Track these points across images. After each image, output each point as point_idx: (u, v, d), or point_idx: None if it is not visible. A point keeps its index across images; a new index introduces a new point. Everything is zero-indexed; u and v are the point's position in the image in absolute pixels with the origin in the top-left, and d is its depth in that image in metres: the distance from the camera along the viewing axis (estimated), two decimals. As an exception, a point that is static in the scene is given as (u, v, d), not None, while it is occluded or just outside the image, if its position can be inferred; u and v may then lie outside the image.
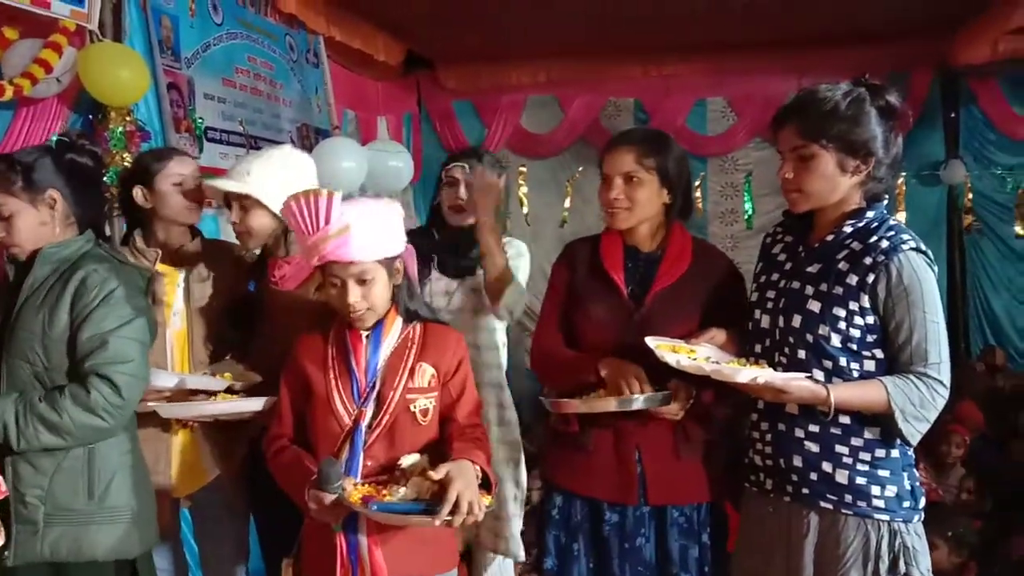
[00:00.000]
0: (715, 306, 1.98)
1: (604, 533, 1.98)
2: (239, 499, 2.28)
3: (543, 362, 2.13)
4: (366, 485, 1.69)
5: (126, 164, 2.85)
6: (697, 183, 5.61)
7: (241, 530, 2.36)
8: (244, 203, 2.12)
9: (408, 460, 1.72)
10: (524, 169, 5.87)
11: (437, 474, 1.61)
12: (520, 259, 2.51)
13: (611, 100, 5.85)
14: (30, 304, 1.85)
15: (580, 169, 5.73)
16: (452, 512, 1.58)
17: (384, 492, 1.67)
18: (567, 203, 5.49)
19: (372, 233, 1.72)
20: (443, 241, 2.52)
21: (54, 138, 2.07)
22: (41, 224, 1.89)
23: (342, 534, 1.73)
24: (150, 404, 2.02)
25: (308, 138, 4.34)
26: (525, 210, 5.81)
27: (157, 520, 2.15)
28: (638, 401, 1.83)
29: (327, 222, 1.69)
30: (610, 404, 1.83)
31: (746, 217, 5.66)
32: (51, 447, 1.79)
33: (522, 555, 2.57)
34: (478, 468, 1.68)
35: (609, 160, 1.99)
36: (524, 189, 5.82)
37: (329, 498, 1.63)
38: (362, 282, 1.74)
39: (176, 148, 2.77)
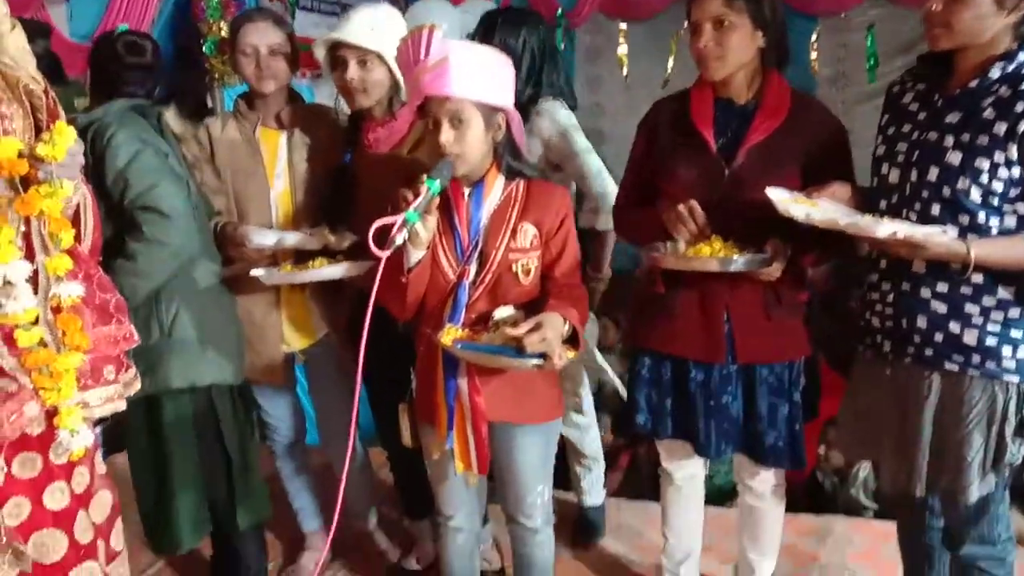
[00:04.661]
0: (816, 164, 1.85)
1: (690, 391, 1.98)
2: (347, 356, 2.37)
3: (621, 230, 2.14)
4: (460, 330, 1.74)
5: (223, 34, 2.86)
6: (814, 39, 5.17)
7: (351, 387, 2.47)
8: (365, 58, 2.08)
9: (502, 312, 1.76)
10: (624, 27, 5.55)
11: (519, 331, 1.63)
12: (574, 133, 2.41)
13: (712, -47, 5.40)
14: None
15: (685, 26, 5.30)
16: (532, 355, 1.62)
17: (475, 338, 1.73)
18: (670, 63, 5.19)
19: (472, 73, 1.67)
20: None
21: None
22: None
23: (442, 377, 1.79)
24: (252, 272, 2.10)
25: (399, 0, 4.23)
26: (624, 72, 5.56)
27: (272, 372, 2.30)
28: (738, 263, 1.76)
29: (426, 54, 1.67)
30: (711, 264, 1.77)
31: (868, 68, 5.13)
32: (149, 290, 1.98)
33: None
34: (568, 324, 1.68)
35: (696, 5, 1.84)
36: (623, 49, 5.54)
37: (422, 190, 1.60)
38: (456, 123, 1.69)
39: (260, 10, 2.72)
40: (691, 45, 1.87)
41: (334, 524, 1.55)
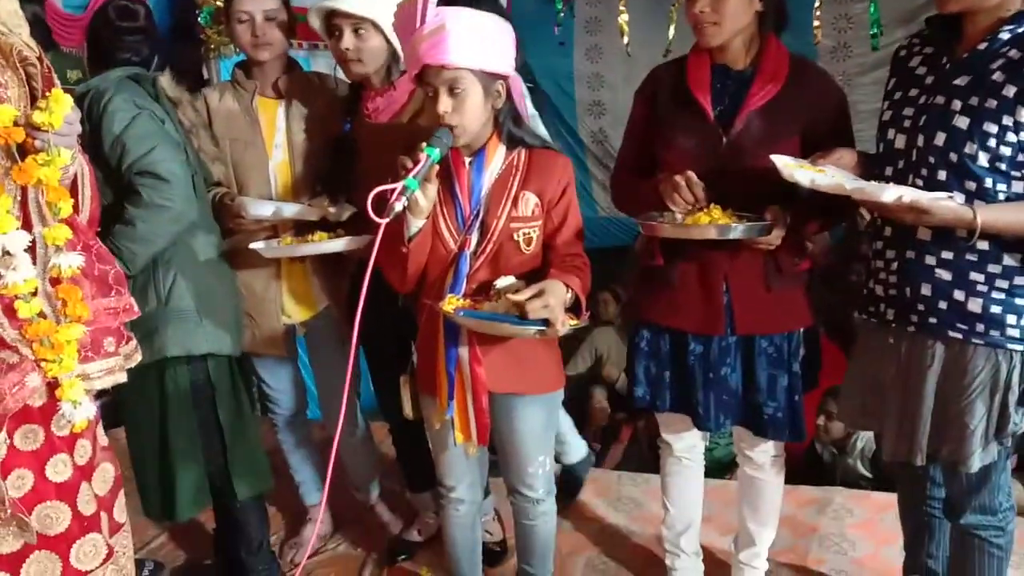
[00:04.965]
0: (816, 130, 1.83)
1: (689, 363, 1.97)
2: (348, 329, 2.36)
3: (619, 201, 2.09)
4: (462, 299, 1.74)
5: (218, 4, 2.82)
6: (817, 5, 5.11)
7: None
8: (359, 27, 2.05)
9: (503, 281, 1.74)
10: (625, -8, 5.49)
11: (521, 296, 1.61)
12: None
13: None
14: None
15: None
16: (535, 322, 1.60)
17: (477, 307, 1.72)
18: (671, 31, 5.13)
19: (470, 40, 1.64)
20: None
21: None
22: None
23: (443, 347, 1.79)
24: (251, 245, 2.09)
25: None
26: (625, 40, 5.50)
27: (274, 344, 2.29)
28: (737, 230, 1.75)
29: (422, 23, 1.65)
30: (709, 231, 1.76)
31: (872, 35, 5.08)
32: (149, 255, 1.97)
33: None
34: (570, 291, 1.67)
35: None
36: (625, 17, 5.47)
37: (421, 158, 1.61)
38: (454, 92, 1.66)
39: None
40: (687, 11, 1.84)
41: (324, 491, 1.55)
